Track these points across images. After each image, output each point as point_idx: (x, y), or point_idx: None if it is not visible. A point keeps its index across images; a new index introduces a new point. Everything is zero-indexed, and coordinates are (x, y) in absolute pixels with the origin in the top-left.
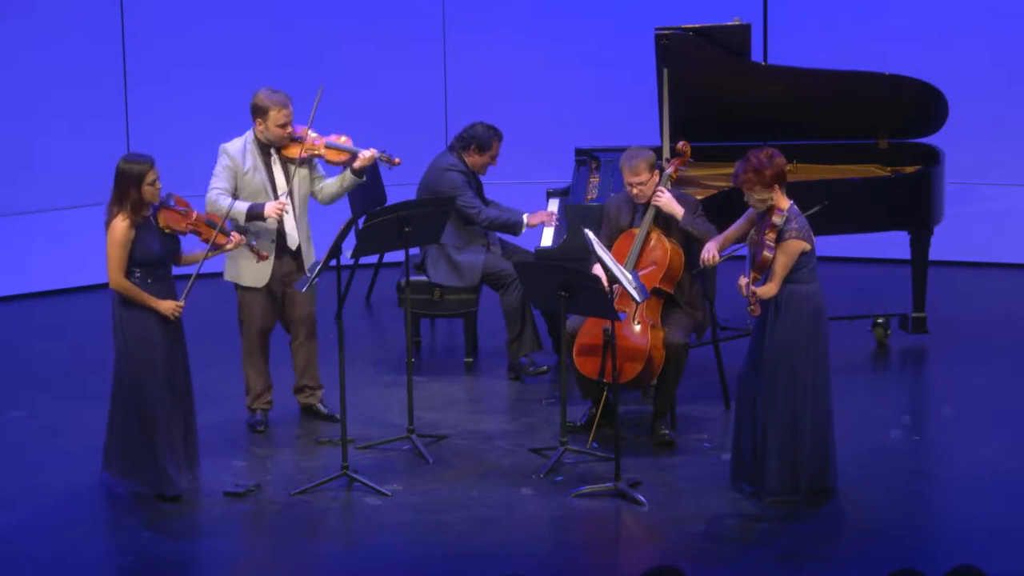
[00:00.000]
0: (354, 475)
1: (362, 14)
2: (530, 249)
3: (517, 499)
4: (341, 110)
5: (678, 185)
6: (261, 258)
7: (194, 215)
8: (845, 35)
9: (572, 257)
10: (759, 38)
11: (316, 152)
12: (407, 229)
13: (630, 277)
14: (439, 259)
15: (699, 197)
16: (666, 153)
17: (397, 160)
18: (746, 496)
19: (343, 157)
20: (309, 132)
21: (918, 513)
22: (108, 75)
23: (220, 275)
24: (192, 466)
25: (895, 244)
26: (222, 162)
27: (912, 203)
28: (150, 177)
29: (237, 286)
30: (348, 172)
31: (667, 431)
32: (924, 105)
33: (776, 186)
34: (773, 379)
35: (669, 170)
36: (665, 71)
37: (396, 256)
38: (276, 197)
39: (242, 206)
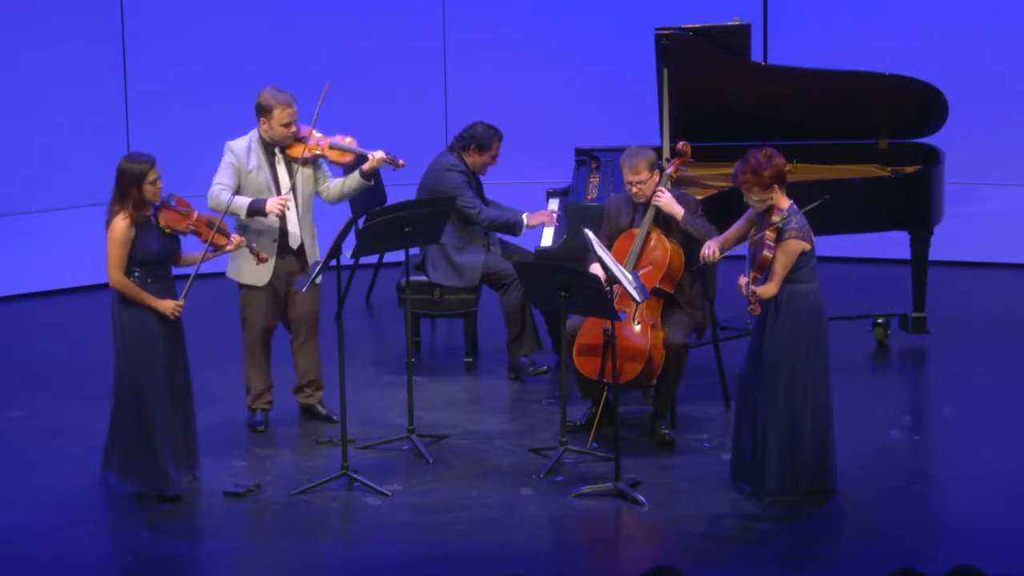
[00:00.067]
0: (354, 475)
1: (362, 14)
2: (530, 249)
3: (517, 499)
4: (341, 110)
5: (678, 185)
6: (261, 260)
7: (195, 215)
8: (845, 35)
9: (572, 257)
10: (759, 38)
11: (320, 152)
12: (407, 229)
13: (630, 277)
14: (439, 259)
15: (699, 197)
16: (666, 153)
17: (401, 162)
18: (746, 496)
19: (347, 158)
20: (314, 132)
21: (918, 513)
22: (108, 75)
23: (221, 275)
24: (192, 466)
25: (895, 244)
26: (227, 159)
27: (912, 203)
28: (151, 176)
29: (240, 285)
30: (355, 174)
31: (667, 431)
32: (924, 105)
33: (775, 186)
34: (773, 379)
35: (669, 170)
36: (665, 71)
37: (396, 256)
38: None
39: (243, 201)
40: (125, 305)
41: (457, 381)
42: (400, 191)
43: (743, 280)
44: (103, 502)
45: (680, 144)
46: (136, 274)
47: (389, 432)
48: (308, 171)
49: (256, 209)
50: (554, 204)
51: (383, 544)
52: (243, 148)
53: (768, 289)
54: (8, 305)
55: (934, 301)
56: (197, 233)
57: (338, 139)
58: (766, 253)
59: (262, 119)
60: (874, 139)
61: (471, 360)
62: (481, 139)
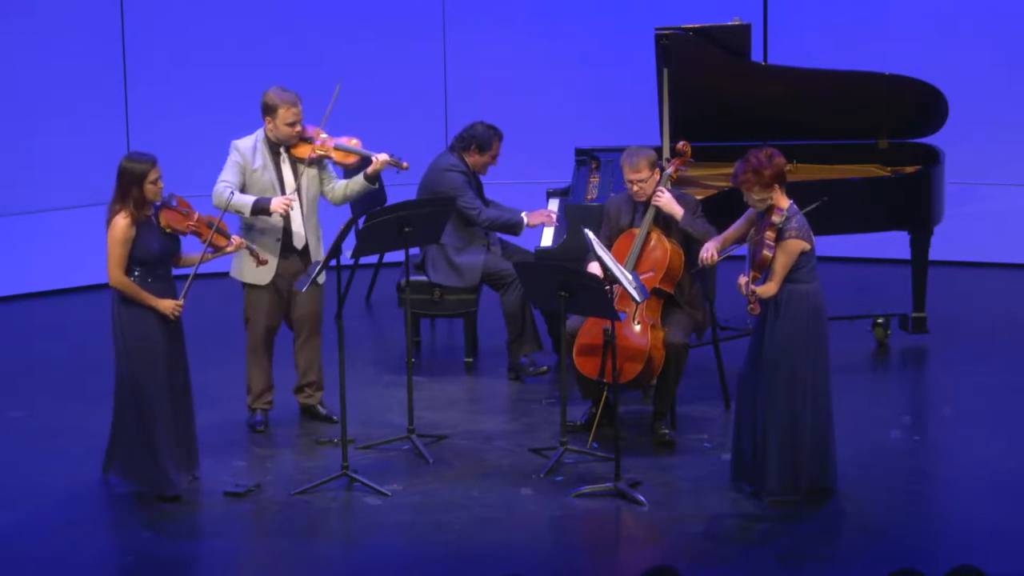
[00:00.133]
0: (354, 475)
1: (362, 14)
2: (530, 249)
3: (517, 499)
4: (341, 110)
5: (678, 185)
6: (260, 263)
7: (195, 216)
8: (845, 35)
9: (572, 257)
10: (759, 38)
11: (324, 153)
12: (407, 229)
13: (630, 277)
14: (439, 259)
15: (699, 197)
16: (666, 153)
17: (405, 164)
18: (746, 496)
19: (352, 159)
20: (321, 133)
21: (918, 513)
22: (108, 75)
23: (222, 275)
24: (192, 466)
25: (895, 244)
26: (232, 157)
27: (912, 203)
28: (152, 176)
29: (243, 284)
30: (359, 177)
31: (667, 431)
32: (924, 105)
33: (775, 186)
34: (773, 379)
35: (669, 170)
36: (665, 71)
37: (396, 256)
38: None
39: (247, 200)
40: (125, 305)
41: (457, 381)
42: (400, 191)
43: (743, 279)
44: (103, 502)
45: (680, 144)
46: (136, 273)
47: (389, 432)
48: (313, 172)
49: (260, 208)
50: (554, 204)
51: (383, 544)
52: (249, 147)
53: (768, 289)
54: (8, 305)
55: (934, 301)
56: (197, 233)
57: (344, 140)
58: (766, 253)
59: (267, 118)
60: (874, 139)
61: (471, 360)
62: (481, 139)
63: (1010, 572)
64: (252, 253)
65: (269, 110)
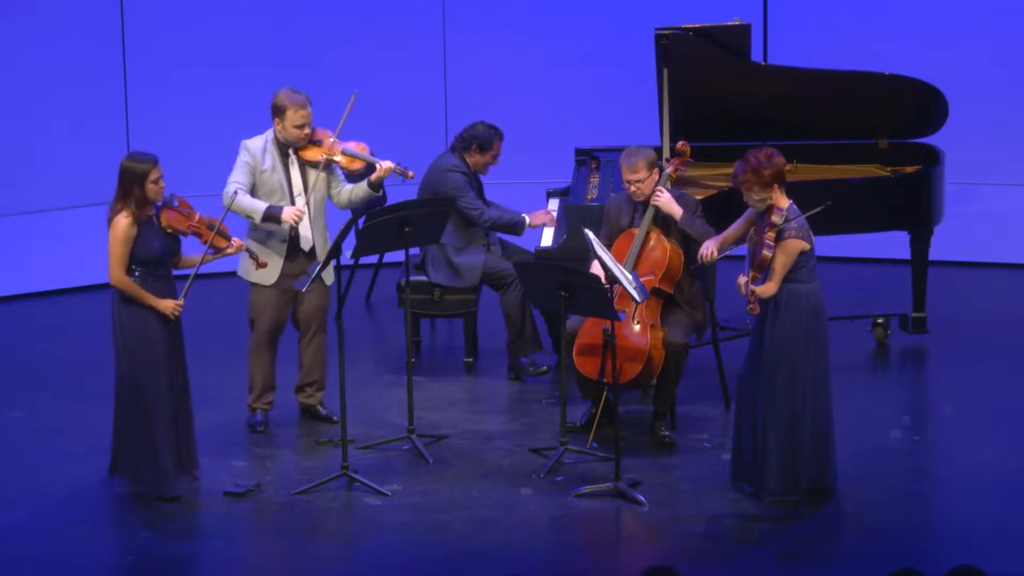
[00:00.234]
0: (354, 475)
1: (362, 14)
2: (530, 249)
3: (517, 499)
4: (341, 110)
5: (678, 185)
6: (260, 265)
7: (196, 217)
8: (845, 35)
9: (572, 257)
10: (759, 38)
11: (330, 157)
12: (407, 229)
13: (630, 277)
14: (439, 259)
15: (699, 197)
16: (666, 153)
17: (411, 173)
18: (746, 496)
19: (358, 165)
20: (329, 136)
21: (918, 513)
22: (108, 75)
23: (223, 275)
24: (192, 466)
25: (895, 244)
26: (242, 157)
27: (912, 203)
28: (154, 175)
29: (251, 284)
30: (363, 183)
31: (667, 431)
32: (924, 105)
33: (775, 186)
34: (773, 379)
35: (669, 170)
36: (665, 71)
37: (396, 256)
38: (292, 197)
39: (260, 206)
40: (125, 304)
41: (457, 381)
42: (401, 191)
43: (742, 279)
44: (103, 502)
45: (680, 144)
46: (137, 273)
47: (389, 432)
48: (322, 174)
49: (271, 216)
50: (554, 204)
51: (383, 544)
52: (259, 148)
53: (767, 288)
54: (8, 305)
55: (934, 301)
56: (198, 234)
57: (352, 145)
58: (766, 252)
59: (276, 119)
60: (874, 139)
61: (471, 360)
62: (482, 139)
63: (1010, 572)
64: (252, 256)
65: (278, 111)
